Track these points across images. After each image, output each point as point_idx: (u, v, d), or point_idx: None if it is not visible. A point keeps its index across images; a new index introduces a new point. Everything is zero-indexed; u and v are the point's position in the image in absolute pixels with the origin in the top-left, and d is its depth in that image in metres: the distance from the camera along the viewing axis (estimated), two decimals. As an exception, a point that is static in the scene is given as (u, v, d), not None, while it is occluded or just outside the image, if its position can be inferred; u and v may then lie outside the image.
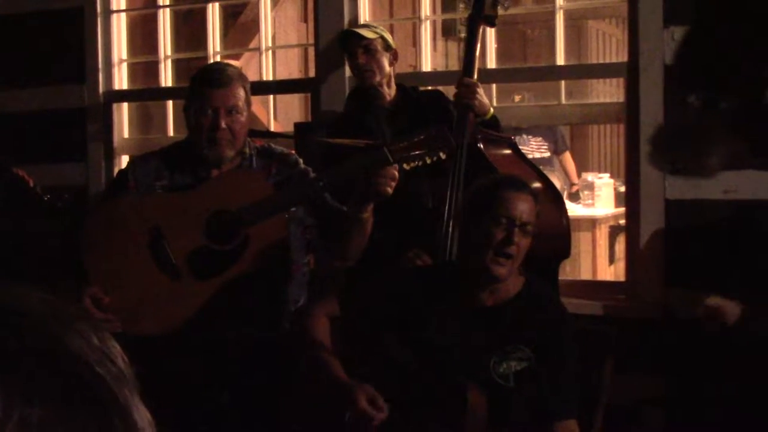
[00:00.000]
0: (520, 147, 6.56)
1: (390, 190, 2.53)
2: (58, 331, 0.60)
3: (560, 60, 3.99)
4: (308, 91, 4.50)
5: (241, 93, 2.75)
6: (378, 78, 3.53)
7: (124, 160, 4.65)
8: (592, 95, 8.21)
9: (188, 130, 2.84)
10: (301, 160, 2.92)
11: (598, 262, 6.17)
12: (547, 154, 6.95)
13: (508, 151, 3.38)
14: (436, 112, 3.40)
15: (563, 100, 4.08)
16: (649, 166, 3.58)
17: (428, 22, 4.31)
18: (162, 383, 2.64)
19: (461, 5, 3.44)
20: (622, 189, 4.91)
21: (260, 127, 4.95)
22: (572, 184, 7.00)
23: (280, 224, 2.71)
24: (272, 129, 4.62)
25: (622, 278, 4.25)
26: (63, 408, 0.56)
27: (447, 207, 3.13)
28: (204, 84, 2.75)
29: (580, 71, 5.10)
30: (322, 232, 2.85)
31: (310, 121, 4.59)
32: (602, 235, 6.26)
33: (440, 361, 2.48)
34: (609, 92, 8.35)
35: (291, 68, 6.47)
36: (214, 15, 4.64)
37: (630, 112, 3.68)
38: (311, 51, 4.75)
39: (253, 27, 5.05)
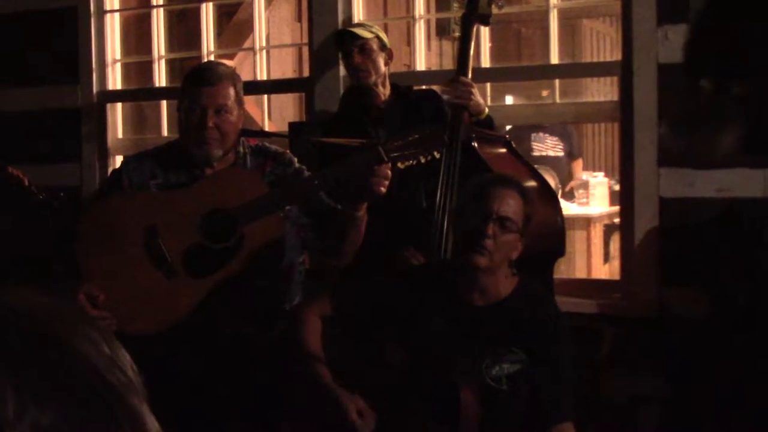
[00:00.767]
0: (536, 144, 6.62)
1: (383, 190, 2.53)
2: (69, 337, 0.60)
3: (554, 59, 3.99)
4: (302, 91, 4.50)
5: (231, 92, 2.74)
6: (373, 78, 3.53)
7: (118, 160, 4.64)
8: (586, 94, 8.22)
9: (179, 129, 2.84)
10: (295, 159, 2.92)
11: (593, 260, 6.17)
12: (561, 154, 6.94)
13: (502, 150, 3.38)
14: (431, 111, 3.40)
15: (557, 99, 4.08)
16: (644, 164, 3.58)
17: (422, 21, 4.31)
18: (158, 382, 2.64)
19: (455, 4, 3.44)
20: (617, 188, 4.91)
21: (254, 127, 4.94)
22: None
23: (276, 223, 2.71)
24: (267, 128, 4.62)
25: (616, 277, 4.25)
26: (73, 413, 0.56)
27: (441, 206, 3.13)
28: (193, 83, 2.75)
29: (574, 70, 5.11)
30: (317, 231, 2.85)
31: (305, 121, 4.59)
32: (597, 233, 6.26)
33: (433, 362, 2.47)
34: (603, 91, 8.36)
35: (285, 68, 6.47)
36: (207, 15, 4.64)
37: (624, 110, 3.69)
38: (305, 50, 4.74)
39: (247, 27, 5.04)
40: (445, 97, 3.35)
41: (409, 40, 4.46)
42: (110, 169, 4.54)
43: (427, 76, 4.29)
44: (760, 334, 3.16)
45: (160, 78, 4.75)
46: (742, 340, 3.21)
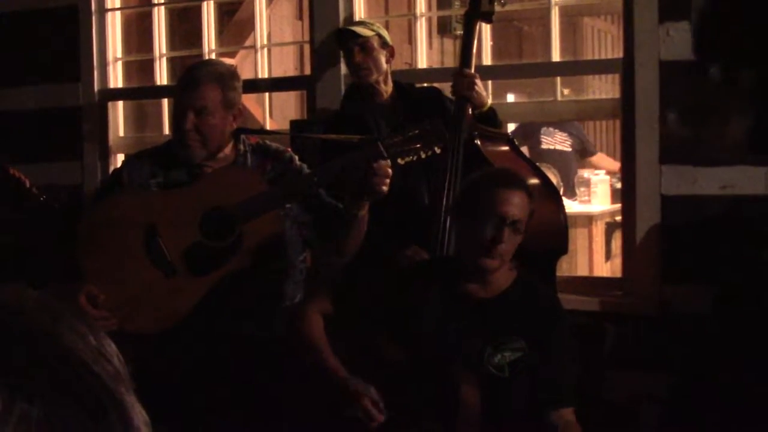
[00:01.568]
0: (544, 137, 6.62)
1: (386, 189, 2.53)
2: (54, 329, 0.60)
3: (556, 56, 3.99)
4: (304, 89, 4.50)
5: (213, 93, 2.71)
6: (375, 76, 3.52)
7: (120, 159, 4.64)
8: (587, 92, 8.21)
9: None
10: (296, 157, 2.92)
11: (595, 258, 6.17)
12: (569, 150, 6.96)
13: (505, 148, 3.38)
14: (433, 109, 3.40)
15: (559, 97, 4.08)
16: (645, 161, 3.58)
17: (423, 19, 4.31)
18: (158, 380, 2.65)
19: (456, 2, 3.43)
20: (618, 185, 4.91)
21: (255, 125, 4.95)
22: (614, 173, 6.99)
23: (275, 220, 2.71)
24: (268, 126, 4.62)
25: (618, 274, 4.25)
26: (61, 405, 0.56)
27: (444, 203, 3.13)
28: (179, 84, 2.77)
29: (575, 67, 5.10)
30: (318, 229, 2.85)
31: (306, 119, 4.58)
32: (598, 231, 6.26)
33: (434, 355, 2.48)
34: (604, 88, 8.36)
35: (286, 66, 6.46)
36: (209, 13, 4.64)
37: (625, 108, 3.68)
38: (307, 48, 4.74)
39: (249, 25, 5.04)
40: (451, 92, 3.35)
41: (411, 38, 4.45)
42: (111, 168, 4.54)
43: (429, 73, 4.29)
44: (763, 331, 3.16)
45: (162, 76, 4.75)
46: (745, 337, 3.21)
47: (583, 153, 7.01)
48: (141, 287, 2.66)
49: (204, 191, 2.70)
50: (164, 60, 4.76)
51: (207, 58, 4.55)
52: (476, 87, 3.25)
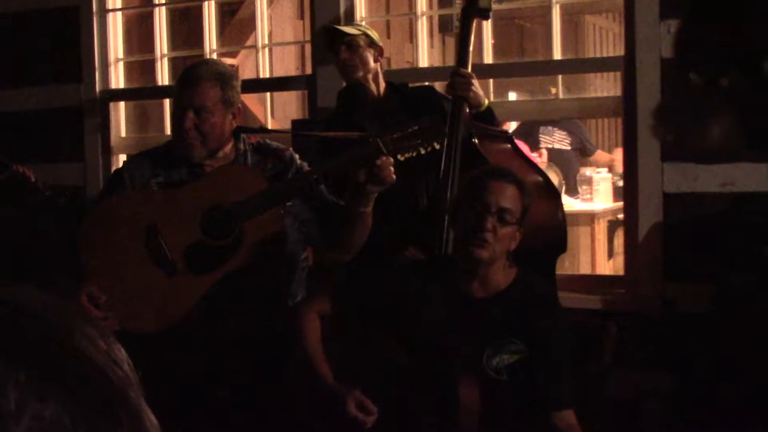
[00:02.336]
0: (543, 136, 6.64)
1: (394, 177, 2.53)
2: (66, 333, 0.61)
3: (557, 54, 3.99)
4: (305, 88, 4.50)
5: (213, 92, 2.72)
6: (361, 73, 3.51)
7: (122, 159, 4.64)
8: (589, 89, 8.21)
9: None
10: (297, 156, 2.92)
11: (597, 256, 6.17)
12: (567, 148, 7.00)
13: (503, 146, 3.38)
14: (428, 107, 3.39)
15: (560, 95, 4.08)
16: (647, 159, 3.58)
17: (424, 18, 4.31)
18: (159, 380, 2.65)
19: (458, 1, 3.43)
20: (620, 183, 4.91)
21: (256, 124, 4.95)
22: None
23: (276, 218, 2.71)
24: (269, 126, 4.62)
25: (620, 272, 4.25)
26: (73, 406, 0.56)
27: (442, 203, 3.13)
28: (178, 83, 2.78)
29: (577, 65, 5.09)
30: (320, 227, 2.85)
31: (308, 118, 4.59)
32: (601, 229, 6.26)
33: (433, 354, 2.48)
34: (606, 86, 8.36)
35: (288, 65, 6.47)
36: (210, 13, 4.64)
37: (627, 105, 3.68)
38: (308, 48, 4.74)
39: (250, 24, 5.04)
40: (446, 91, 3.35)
41: (412, 37, 4.45)
42: (113, 168, 4.55)
43: (430, 72, 4.29)
44: (765, 328, 3.16)
45: (163, 76, 4.76)
46: (747, 335, 3.21)
47: (582, 151, 7.03)
48: (142, 286, 2.66)
49: (204, 190, 2.70)
50: (165, 60, 4.76)
51: (208, 58, 4.55)
52: (473, 87, 3.24)
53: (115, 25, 4.75)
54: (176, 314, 2.65)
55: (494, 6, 3.36)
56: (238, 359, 2.75)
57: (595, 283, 4.07)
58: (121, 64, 4.78)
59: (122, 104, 4.79)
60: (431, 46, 6.83)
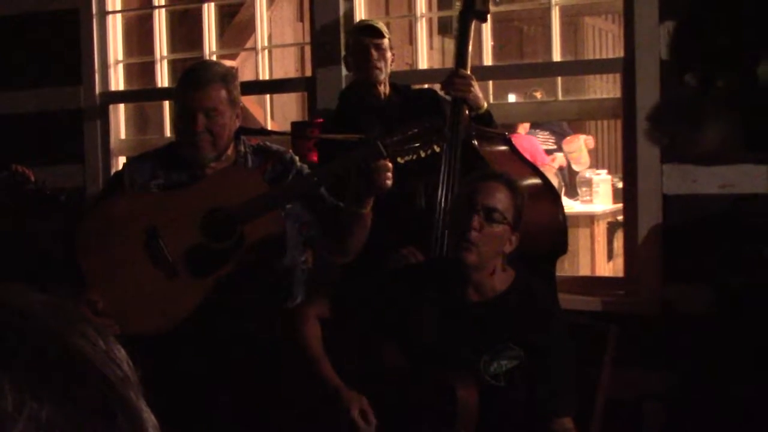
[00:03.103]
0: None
1: (389, 183, 2.53)
2: (63, 333, 0.61)
3: (556, 56, 3.99)
4: (305, 90, 4.50)
5: (221, 93, 2.72)
6: (383, 76, 3.51)
7: (122, 161, 4.64)
8: (588, 91, 8.21)
9: (175, 131, 2.86)
10: (297, 158, 2.93)
11: (597, 258, 6.17)
12: (553, 147, 7.10)
13: (503, 148, 3.38)
14: (429, 110, 3.39)
15: (560, 97, 4.08)
16: (647, 161, 3.58)
17: (424, 19, 4.31)
18: (158, 382, 2.65)
19: (457, 2, 3.43)
20: (620, 185, 4.91)
21: (256, 126, 4.95)
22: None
23: (276, 221, 2.71)
24: (269, 128, 4.62)
25: (620, 274, 4.25)
26: (70, 407, 0.56)
27: (441, 204, 3.13)
28: (183, 86, 2.75)
29: (576, 67, 5.10)
30: (320, 229, 2.85)
31: (307, 120, 4.59)
32: (600, 231, 6.27)
33: (430, 360, 2.47)
34: (605, 88, 8.36)
35: (287, 67, 6.47)
36: (209, 15, 4.64)
37: (627, 107, 3.68)
38: (307, 50, 4.74)
39: (249, 26, 5.04)
40: (444, 91, 3.34)
41: (411, 39, 4.46)
42: (113, 170, 4.55)
43: (429, 74, 4.29)
44: (764, 329, 3.16)
45: (163, 79, 4.76)
46: (746, 336, 3.21)
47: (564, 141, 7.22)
48: (142, 289, 2.66)
49: (205, 192, 2.70)
50: (165, 62, 4.76)
51: (207, 59, 4.55)
52: (472, 88, 3.24)
53: (115, 28, 4.75)
54: (177, 316, 2.65)
55: (492, 8, 3.37)
56: (238, 361, 2.75)
57: (594, 284, 4.07)
58: (120, 66, 4.78)
59: (122, 106, 4.79)
60: (430, 47, 6.83)
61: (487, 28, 3.96)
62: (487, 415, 2.40)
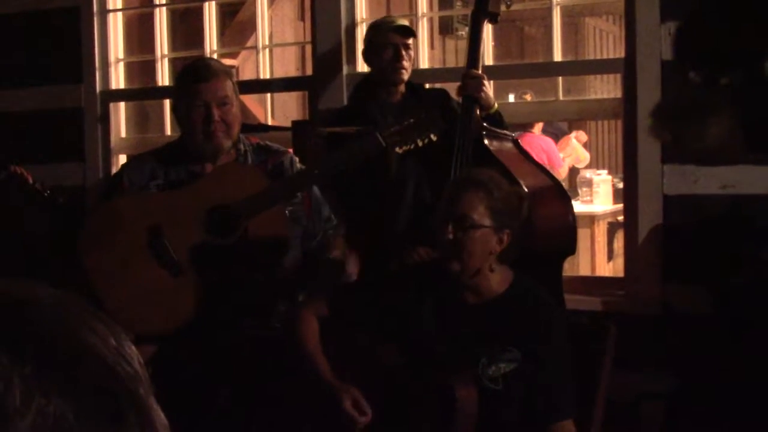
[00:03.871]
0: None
1: None
2: (73, 328, 0.61)
3: (557, 56, 3.99)
4: (305, 89, 4.50)
5: (229, 84, 2.77)
6: (407, 76, 3.51)
7: (122, 160, 4.64)
8: (589, 92, 8.22)
9: (180, 128, 2.86)
10: (297, 159, 2.94)
11: (597, 258, 6.18)
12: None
13: (512, 149, 3.39)
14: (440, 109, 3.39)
15: (561, 97, 4.08)
16: (647, 161, 3.58)
17: (425, 19, 4.31)
18: (162, 383, 2.65)
19: (458, 2, 3.43)
20: (621, 185, 4.92)
21: (254, 122, 4.94)
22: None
23: (279, 216, 2.71)
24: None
25: (620, 274, 4.25)
26: (79, 403, 0.56)
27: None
28: (192, 80, 2.77)
29: (577, 67, 5.10)
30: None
31: (308, 119, 4.59)
32: (601, 231, 6.27)
33: (429, 362, 2.46)
34: (606, 89, 8.36)
35: (288, 66, 6.47)
36: (210, 14, 4.64)
37: (627, 107, 3.68)
38: (308, 49, 4.74)
39: (250, 25, 5.05)
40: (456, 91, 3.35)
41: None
42: (114, 169, 4.55)
43: (430, 74, 4.29)
44: (764, 330, 3.16)
45: (163, 77, 4.76)
46: (746, 336, 3.21)
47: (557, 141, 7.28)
48: (147, 288, 2.66)
49: (207, 189, 2.71)
50: (166, 61, 4.76)
51: (202, 56, 4.55)
52: (484, 88, 3.25)
53: (116, 26, 4.75)
54: (183, 315, 2.65)
55: (503, 9, 3.37)
56: (239, 361, 2.75)
57: (594, 284, 4.07)
58: (121, 65, 4.78)
59: (122, 104, 4.79)
60: (432, 47, 6.83)
61: (488, 28, 3.96)
62: (486, 417, 2.39)
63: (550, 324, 2.49)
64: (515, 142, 3.43)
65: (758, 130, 3.31)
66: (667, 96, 3.52)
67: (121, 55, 4.77)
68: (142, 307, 2.65)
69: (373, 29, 3.58)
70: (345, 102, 3.94)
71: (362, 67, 4.06)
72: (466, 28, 3.57)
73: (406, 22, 3.58)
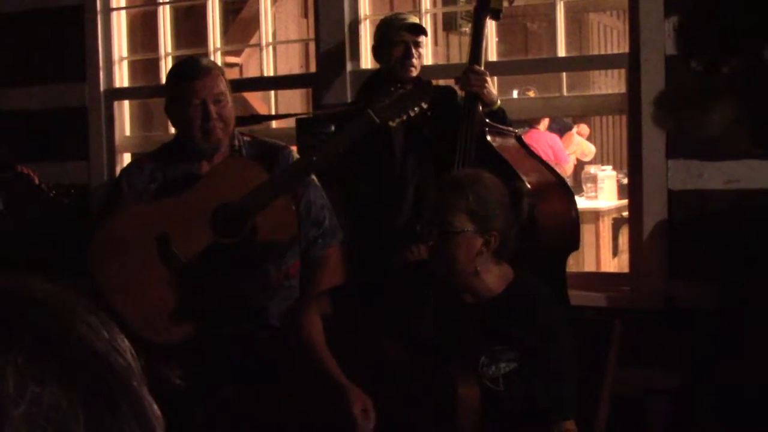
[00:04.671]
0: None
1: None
2: (68, 320, 0.61)
3: (561, 52, 3.98)
4: (309, 87, 4.50)
5: (222, 80, 2.77)
6: (415, 74, 3.51)
7: (126, 158, 4.65)
8: (593, 87, 8.20)
9: (175, 127, 2.86)
10: (294, 149, 2.94)
11: (602, 254, 6.18)
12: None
13: (515, 144, 3.39)
14: (446, 107, 3.38)
15: (565, 93, 4.07)
16: (652, 156, 3.57)
17: (428, 15, 4.30)
18: (165, 381, 2.65)
19: (463, -1, 3.44)
20: (625, 181, 4.91)
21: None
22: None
23: (285, 206, 2.71)
24: (273, 125, 4.61)
25: (625, 270, 4.25)
26: (73, 393, 0.57)
27: None
28: (185, 78, 2.76)
29: (581, 63, 5.08)
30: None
31: (312, 116, 4.58)
32: (605, 227, 6.27)
33: (431, 360, 2.45)
34: (610, 84, 8.34)
35: (292, 64, 6.47)
36: (214, 11, 4.64)
37: (632, 103, 3.68)
38: (312, 46, 4.74)
39: (254, 23, 5.04)
40: (458, 87, 3.35)
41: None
42: (118, 167, 4.55)
43: (434, 70, 4.28)
44: (770, 326, 3.15)
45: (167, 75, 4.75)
46: (752, 332, 3.20)
47: (566, 128, 7.29)
48: (165, 298, 2.65)
49: (208, 190, 2.70)
50: (170, 59, 4.76)
51: (212, 57, 4.56)
52: (486, 84, 3.25)
53: (119, 24, 4.75)
54: (201, 318, 2.64)
55: (505, 5, 3.37)
56: (241, 360, 2.75)
57: (599, 280, 4.07)
58: (125, 63, 4.78)
59: (126, 103, 4.80)
60: (435, 44, 6.83)
61: (492, 25, 3.95)
62: (487, 417, 2.39)
63: (549, 323, 2.47)
64: (518, 138, 3.43)
65: (763, 124, 3.30)
66: (671, 85, 3.52)
67: (124, 54, 4.78)
68: (163, 318, 2.64)
69: (385, 26, 3.57)
70: (348, 99, 3.94)
71: (366, 63, 4.06)
72: (470, 25, 3.56)
73: (417, 20, 3.58)
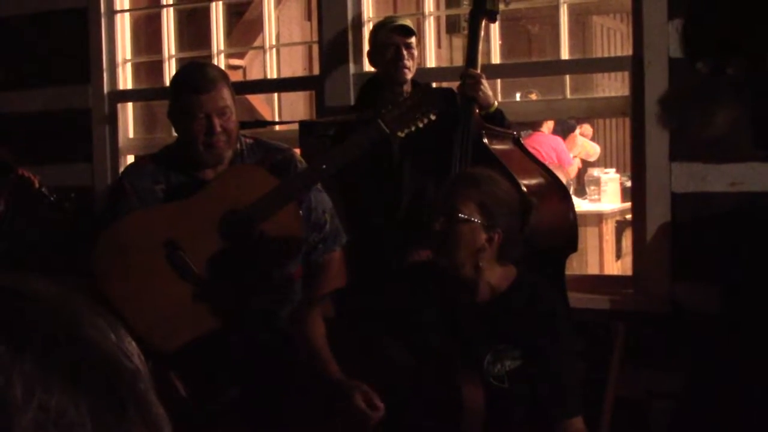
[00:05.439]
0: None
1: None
2: (74, 323, 0.61)
3: (564, 55, 3.98)
4: (313, 89, 4.50)
5: (227, 92, 2.73)
6: (410, 75, 3.51)
7: (130, 160, 4.65)
8: (597, 90, 8.21)
9: (178, 134, 2.84)
10: (297, 152, 2.94)
11: (605, 257, 6.17)
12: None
13: (513, 147, 3.38)
14: (446, 109, 3.38)
15: (568, 95, 4.07)
16: (655, 159, 3.57)
17: (432, 18, 4.31)
18: (171, 382, 2.65)
19: (465, 1, 3.44)
20: (629, 184, 4.91)
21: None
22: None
23: (292, 213, 2.70)
24: (277, 128, 4.62)
25: (629, 272, 4.24)
26: (80, 397, 0.57)
27: None
28: (190, 91, 2.72)
29: (584, 65, 5.08)
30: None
31: (315, 119, 4.59)
32: (609, 230, 6.26)
33: (435, 360, 2.45)
34: (614, 87, 8.35)
35: (295, 66, 6.48)
36: (217, 14, 4.64)
37: (635, 105, 3.67)
38: (315, 49, 4.74)
39: (257, 25, 5.05)
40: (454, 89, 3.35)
41: (419, 37, 4.45)
42: (122, 169, 4.55)
43: (437, 73, 4.28)
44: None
45: (171, 78, 4.75)
46: (755, 335, 3.20)
47: (569, 128, 7.29)
48: (174, 304, 2.64)
49: (216, 195, 2.69)
50: (173, 61, 4.76)
51: (216, 59, 4.56)
52: (482, 87, 3.25)
53: (123, 26, 4.75)
54: (211, 323, 2.64)
55: (502, 7, 3.37)
56: (247, 362, 2.75)
57: (603, 283, 4.06)
58: (129, 65, 4.79)
59: (130, 105, 4.80)
60: (438, 46, 6.84)
61: (495, 27, 3.95)
62: (492, 415, 2.39)
63: (553, 321, 2.47)
64: (516, 141, 3.42)
65: (766, 127, 3.30)
66: (675, 85, 3.51)
67: (128, 56, 4.78)
68: (172, 324, 2.62)
69: (376, 30, 3.61)
70: (352, 101, 3.94)
71: (369, 66, 4.07)
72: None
73: (407, 22, 3.58)
